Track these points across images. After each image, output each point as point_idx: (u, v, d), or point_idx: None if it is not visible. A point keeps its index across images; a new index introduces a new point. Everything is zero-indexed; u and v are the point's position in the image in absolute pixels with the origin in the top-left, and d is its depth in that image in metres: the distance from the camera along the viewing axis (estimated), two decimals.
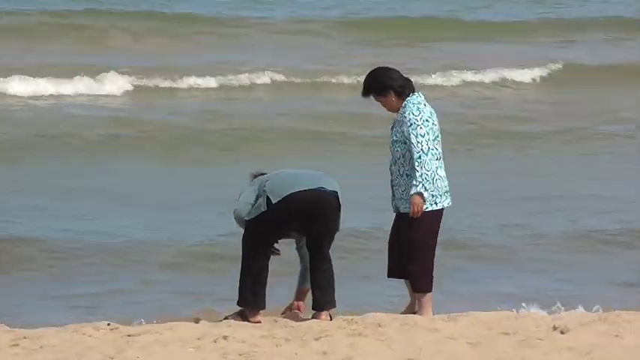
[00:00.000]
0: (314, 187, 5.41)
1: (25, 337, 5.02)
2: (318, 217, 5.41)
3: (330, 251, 5.55)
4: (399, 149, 5.60)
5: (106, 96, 14.73)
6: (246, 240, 5.46)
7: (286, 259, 5.86)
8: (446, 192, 5.62)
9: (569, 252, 8.17)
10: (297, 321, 5.47)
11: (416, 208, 5.48)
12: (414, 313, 5.65)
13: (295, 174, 5.61)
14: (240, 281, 5.46)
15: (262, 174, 5.60)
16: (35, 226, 8.15)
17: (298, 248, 5.65)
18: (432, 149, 5.51)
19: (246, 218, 5.41)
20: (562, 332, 5.31)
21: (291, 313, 5.64)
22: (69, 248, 7.58)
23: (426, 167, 5.46)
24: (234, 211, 5.49)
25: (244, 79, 15.78)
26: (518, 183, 10.39)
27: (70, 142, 11.52)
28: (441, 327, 5.35)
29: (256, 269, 5.43)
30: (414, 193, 5.47)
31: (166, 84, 15.43)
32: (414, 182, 5.47)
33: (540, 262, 7.86)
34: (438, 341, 5.10)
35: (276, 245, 5.56)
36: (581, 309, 6.13)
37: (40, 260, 7.33)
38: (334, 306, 5.56)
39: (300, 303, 5.67)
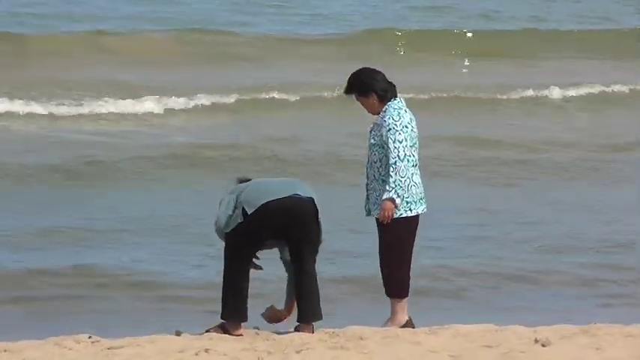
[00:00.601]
0: (288, 194, 5.38)
1: (5, 350, 4.99)
2: (294, 223, 5.38)
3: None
4: (376, 153, 5.63)
5: None
6: (226, 253, 5.44)
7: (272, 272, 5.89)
8: (421, 199, 5.66)
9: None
10: (278, 334, 5.46)
11: (386, 213, 5.52)
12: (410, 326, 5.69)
13: (269, 182, 5.65)
14: (222, 294, 5.44)
15: (248, 179, 5.60)
16: None
17: (283, 258, 5.62)
18: (409, 156, 5.53)
19: (226, 231, 5.39)
20: (543, 345, 5.32)
21: (273, 321, 5.63)
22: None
23: (401, 174, 5.49)
24: (215, 223, 5.46)
25: None
26: None
27: None
28: (422, 340, 5.35)
29: (237, 282, 5.41)
30: (386, 199, 5.51)
31: None
32: (387, 187, 5.50)
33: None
34: (420, 354, 5.11)
35: (257, 261, 5.55)
36: (562, 322, 6.18)
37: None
38: (320, 318, 5.53)
39: (288, 316, 5.66)
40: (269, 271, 5.79)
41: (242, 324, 5.44)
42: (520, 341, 5.41)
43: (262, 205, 5.30)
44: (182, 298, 7.00)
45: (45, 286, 7.11)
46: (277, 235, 5.44)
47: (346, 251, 7.94)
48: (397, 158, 5.49)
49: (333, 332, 5.44)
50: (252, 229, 5.34)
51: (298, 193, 5.42)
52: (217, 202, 5.51)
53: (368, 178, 5.72)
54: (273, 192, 5.38)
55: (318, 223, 5.49)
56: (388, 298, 5.75)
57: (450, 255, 8.25)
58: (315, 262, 5.51)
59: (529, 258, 8.30)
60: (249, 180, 5.58)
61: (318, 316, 5.51)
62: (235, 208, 5.35)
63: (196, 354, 4.94)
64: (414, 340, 5.35)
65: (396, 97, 5.68)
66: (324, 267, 6.19)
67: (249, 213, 5.30)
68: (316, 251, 5.52)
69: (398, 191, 5.49)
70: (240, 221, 5.33)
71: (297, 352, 5.04)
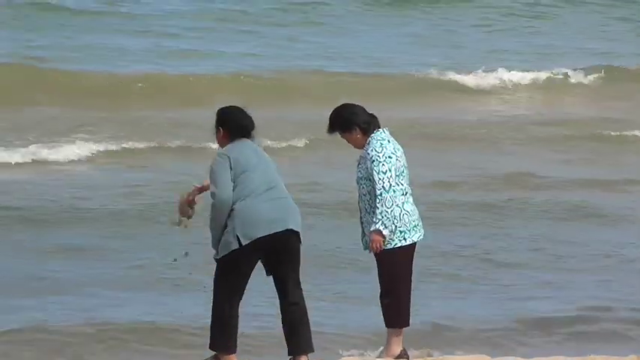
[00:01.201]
0: (282, 228, 5.30)
1: None
2: (284, 260, 5.38)
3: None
4: (364, 186, 5.65)
5: None
6: (216, 281, 5.38)
7: None
8: (415, 226, 5.65)
9: None
10: None
11: (374, 245, 5.54)
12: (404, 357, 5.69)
13: (264, 208, 5.32)
14: (211, 324, 5.38)
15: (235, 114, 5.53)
16: None
17: None
18: (396, 185, 5.54)
19: (217, 258, 5.34)
20: None
21: None
22: None
23: (387, 204, 5.49)
24: (213, 194, 5.30)
25: None
26: None
27: None
28: None
29: (227, 312, 5.35)
30: (373, 230, 5.53)
31: None
32: (375, 219, 5.52)
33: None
34: None
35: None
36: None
37: None
38: (312, 350, 5.44)
39: None
40: None
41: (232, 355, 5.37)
42: None
43: (256, 239, 5.24)
44: None
45: None
46: (265, 265, 5.44)
47: None
48: (382, 189, 5.51)
49: None
50: (243, 259, 5.29)
51: (290, 227, 5.33)
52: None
53: (361, 212, 5.73)
54: (268, 223, 5.26)
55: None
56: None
57: None
58: (302, 292, 5.46)
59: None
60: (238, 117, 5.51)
61: (310, 347, 5.42)
62: (226, 228, 5.27)
63: None
64: None
65: (379, 128, 5.72)
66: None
67: (243, 244, 5.23)
68: (299, 281, 5.47)
69: (385, 222, 5.50)
70: (233, 249, 5.25)
71: None
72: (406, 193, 5.64)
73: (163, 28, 20.19)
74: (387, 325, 5.71)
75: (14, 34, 18.59)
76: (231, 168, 5.27)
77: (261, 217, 5.28)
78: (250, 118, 5.52)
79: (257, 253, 5.30)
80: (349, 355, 5.76)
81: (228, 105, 5.68)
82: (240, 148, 5.38)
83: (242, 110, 5.57)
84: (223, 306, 5.34)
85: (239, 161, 5.29)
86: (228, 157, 5.29)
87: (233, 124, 5.46)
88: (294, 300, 5.40)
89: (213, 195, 5.30)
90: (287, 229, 5.31)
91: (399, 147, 5.71)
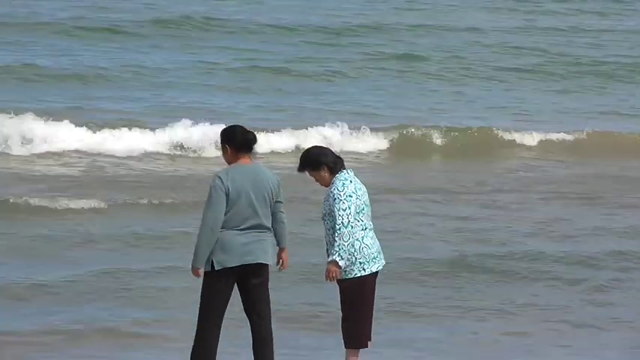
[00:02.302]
0: (254, 260, 6.00)
1: None
2: (253, 290, 6.09)
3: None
4: (328, 222, 6.18)
5: None
6: (202, 298, 6.10)
7: None
8: (374, 257, 6.20)
9: None
10: None
11: (329, 274, 6.09)
12: None
13: (240, 243, 6.00)
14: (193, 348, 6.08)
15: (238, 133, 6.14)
16: None
17: None
18: (355, 221, 6.10)
19: (199, 266, 5.99)
20: None
21: None
22: None
23: (344, 238, 6.04)
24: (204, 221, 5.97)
25: None
26: None
27: None
28: None
29: (209, 328, 6.05)
30: (329, 261, 6.08)
31: None
32: (332, 251, 6.08)
33: None
34: None
35: None
36: None
37: None
38: None
39: None
40: None
41: None
42: None
43: (229, 267, 5.95)
44: None
45: None
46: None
47: None
48: (341, 225, 6.06)
49: None
50: (220, 279, 6.01)
51: (260, 258, 6.02)
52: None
53: (327, 245, 6.27)
54: (242, 250, 5.97)
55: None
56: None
57: None
58: (269, 313, 6.13)
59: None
60: (242, 135, 6.12)
61: None
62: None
63: None
64: None
65: (344, 168, 6.30)
66: None
67: (216, 269, 5.94)
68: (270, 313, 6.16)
69: (341, 254, 6.05)
70: (207, 270, 5.97)
71: None
72: (366, 229, 6.21)
73: None
74: (345, 346, 6.30)
75: None
76: (228, 195, 5.92)
77: (239, 248, 5.99)
78: (253, 133, 6.17)
79: (227, 280, 6.01)
80: None
81: (230, 125, 6.39)
82: (241, 173, 6.03)
83: (243, 127, 6.23)
84: (204, 327, 6.11)
85: (235, 189, 5.94)
86: (227, 186, 5.94)
87: (238, 140, 6.09)
88: (264, 335, 6.16)
89: (204, 216, 5.98)
90: (258, 262, 6.02)
91: (361, 186, 6.28)
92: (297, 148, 14.86)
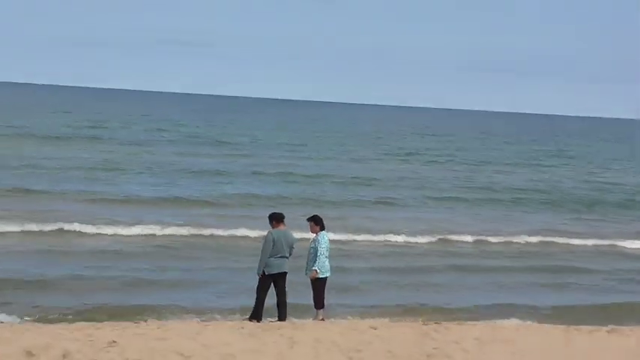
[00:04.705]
0: (281, 270, 13.82)
1: None
2: (280, 284, 13.91)
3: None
4: (312, 251, 14.12)
5: None
6: (258, 286, 13.90)
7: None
8: (327, 270, 14.22)
9: None
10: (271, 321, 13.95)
11: (312, 274, 14.08)
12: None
13: (277, 260, 13.72)
14: (255, 304, 13.93)
15: (277, 214, 14.05)
16: None
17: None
18: (324, 254, 14.03)
19: (258, 274, 13.90)
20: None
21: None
22: None
23: (320, 260, 13.99)
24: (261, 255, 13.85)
25: None
26: None
27: None
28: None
29: (261, 301, 13.88)
30: (312, 269, 14.06)
31: None
32: (314, 265, 14.03)
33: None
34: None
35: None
36: None
37: None
38: (286, 318, 14.13)
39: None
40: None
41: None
42: None
43: (270, 273, 13.74)
44: None
45: None
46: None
47: None
48: (320, 254, 14.01)
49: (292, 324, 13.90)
50: (267, 279, 13.77)
51: (284, 269, 13.85)
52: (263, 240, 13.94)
53: (307, 260, 14.17)
54: (277, 266, 13.72)
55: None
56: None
57: None
58: (286, 294, 14.05)
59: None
60: (279, 215, 14.04)
61: (285, 318, 14.03)
62: (265, 262, 13.74)
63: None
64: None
65: (324, 228, 14.30)
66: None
67: (267, 273, 13.75)
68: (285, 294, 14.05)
69: (318, 266, 14.00)
70: (264, 273, 13.76)
71: (278, 328, 13.20)
72: (327, 257, 14.15)
73: None
74: (315, 307, 14.33)
75: None
76: (273, 242, 13.68)
77: (276, 263, 13.80)
78: (282, 214, 14.06)
79: (271, 278, 13.89)
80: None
81: (272, 211, 14.27)
82: (277, 232, 13.76)
83: (280, 212, 14.09)
84: (259, 297, 13.95)
85: (276, 238, 13.68)
86: (273, 237, 13.71)
87: (276, 217, 13.94)
88: (283, 300, 14.06)
89: (263, 250, 13.72)
90: (282, 271, 13.90)
91: (327, 239, 14.25)
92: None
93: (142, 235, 22.66)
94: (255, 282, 13.97)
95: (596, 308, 17.68)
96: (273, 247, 13.48)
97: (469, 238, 25.52)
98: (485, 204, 35.02)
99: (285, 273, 13.84)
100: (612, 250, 26.21)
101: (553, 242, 26.36)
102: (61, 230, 22.42)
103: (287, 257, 13.76)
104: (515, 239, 26.00)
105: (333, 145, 66.70)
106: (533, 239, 26.25)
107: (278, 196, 32.06)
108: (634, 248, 26.63)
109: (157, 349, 11.08)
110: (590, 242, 26.79)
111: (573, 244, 26.30)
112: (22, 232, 22.00)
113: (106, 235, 22.41)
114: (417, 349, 12.12)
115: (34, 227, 22.19)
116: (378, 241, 24.45)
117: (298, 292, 14.89)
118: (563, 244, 26.30)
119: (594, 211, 35.49)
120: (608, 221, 32.48)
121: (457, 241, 25.25)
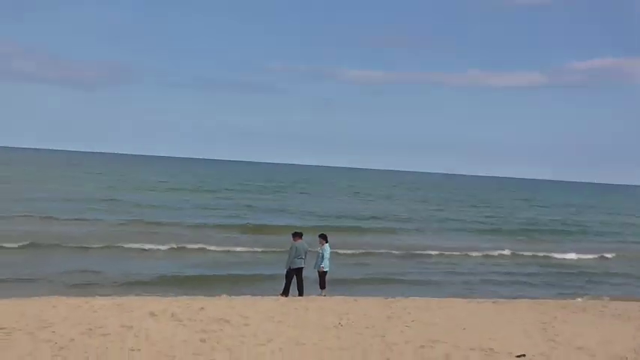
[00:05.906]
0: (301, 265, 22.78)
1: None
2: (299, 275, 22.87)
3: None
4: (320, 256, 23.04)
5: None
6: (287, 274, 22.85)
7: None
8: (328, 266, 23.26)
9: None
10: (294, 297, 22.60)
11: (321, 269, 23.08)
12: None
13: (298, 260, 22.76)
14: (284, 285, 22.83)
15: (298, 232, 23.20)
16: None
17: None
18: (327, 257, 23.04)
19: (287, 268, 22.83)
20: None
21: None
22: None
23: (325, 260, 22.96)
24: (287, 260, 22.98)
25: None
26: None
27: None
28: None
29: (288, 283, 22.80)
30: (321, 265, 23.11)
31: None
32: (321, 263, 23.03)
33: None
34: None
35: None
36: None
37: None
38: (302, 294, 22.93)
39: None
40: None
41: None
42: None
43: (293, 268, 22.68)
44: None
45: None
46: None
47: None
48: (325, 257, 22.99)
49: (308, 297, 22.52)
50: (292, 271, 22.69)
51: (302, 265, 22.82)
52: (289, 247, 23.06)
53: (316, 260, 23.16)
54: (297, 263, 22.71)
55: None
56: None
57: None
58: (302, 281, 22.93)
59: None
60: (299, 233, 23.13)
61: (302, 295, 22.81)
62: (289, 260, 22.68)
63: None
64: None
65: (327, 241, 23.20)
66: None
67: (291, 267, 22.64)
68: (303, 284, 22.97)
69: (323, 264, 22.95)
70: (290, 267, 22.69)
71: (298, 301, 21.71)
72: (329, 259, 23.09)
73: None
74: (320, 287, 23.18)
75: None
76: (295, 249, 22.68)
77: (297, 260, 22.87)
78: (301, 233, 23.19)
79: (294, 271, 22.94)
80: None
81: (294, 231, 23.24)
82: (297, 244, 22.79)
83: (299, 231, 23.21)
84: (287, 281, 22.97)
85: (297, 248, 22.67)
86: (295, 246, 22.72)
87: (297, 234, 22.93)
88: (301, 278, 23.08)
89: (289, 254, 22.81)
90: (301, 267, 22.93)
91: (329, 249, 23.20)
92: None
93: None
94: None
95: None
96: (295, 253, 22.20)
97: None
98: None
99: (302, 268, 22.68)
100: None
101: None
102: None
103: (303, 258, 22.66)
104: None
105: None
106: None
107: None
108: None
109: (228, 312, 19.32)
110: None
111: None
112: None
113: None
114: (381, 312, 20.39)
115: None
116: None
117: (309, 282, 23.89)
118: None
119: None
120: None
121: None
